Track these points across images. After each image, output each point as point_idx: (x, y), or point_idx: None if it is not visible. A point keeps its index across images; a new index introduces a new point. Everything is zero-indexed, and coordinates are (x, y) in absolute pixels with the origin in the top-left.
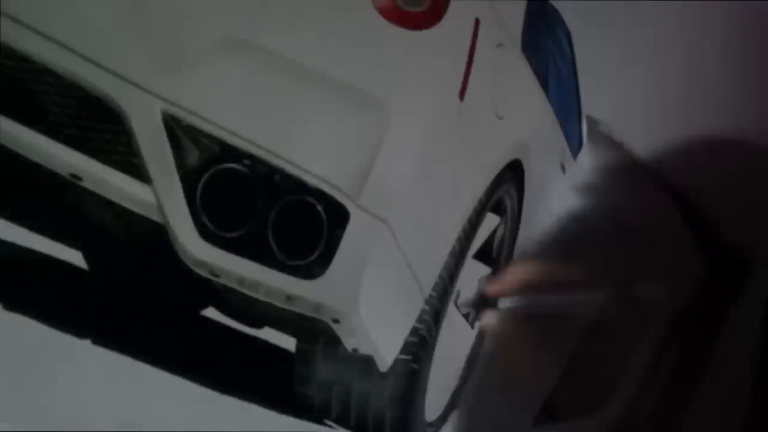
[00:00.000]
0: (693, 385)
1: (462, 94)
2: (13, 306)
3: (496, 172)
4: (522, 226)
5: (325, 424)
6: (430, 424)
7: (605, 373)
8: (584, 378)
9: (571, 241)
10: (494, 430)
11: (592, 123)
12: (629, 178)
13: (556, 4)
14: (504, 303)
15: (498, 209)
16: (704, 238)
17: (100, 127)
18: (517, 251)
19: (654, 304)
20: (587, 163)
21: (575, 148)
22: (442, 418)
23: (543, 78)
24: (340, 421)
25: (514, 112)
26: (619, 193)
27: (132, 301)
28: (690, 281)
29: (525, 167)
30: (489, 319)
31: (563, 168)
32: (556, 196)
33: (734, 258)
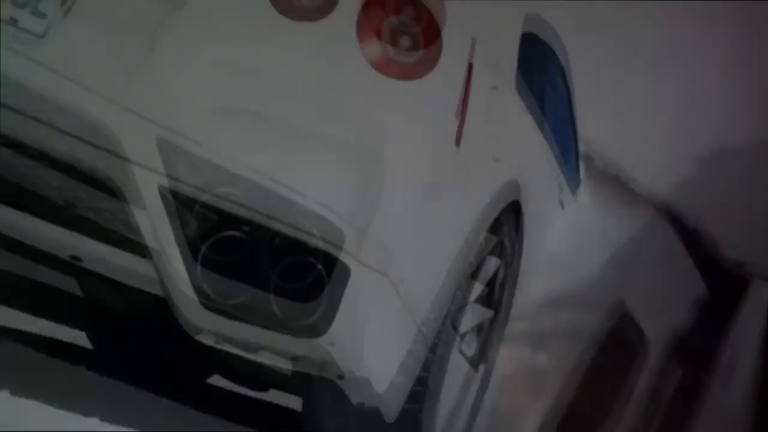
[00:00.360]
0: (694, 409)
1: (458, 140)
2: (19, 391)
3: (495, 215)
4: (522, 266)
5: None
6: None
7: (606, 405)
8: (585, 410)
9: (573, 275)
10: None
11: (588, 160)
12: (628, 211)
13: (555, 30)
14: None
15: (498, 251)
16: (703, 258)
17: (97, 207)
18: (519, 290)
19: (656, 331)
20: (585, 199)
21: (574, 183)
22: None
23: (538, 116)
24: None
25: (511, 153)
26: (618, 225)
27: (138, 375)
28: (690, 305)
29: (523, 208)
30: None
31: (562, 205)
32: (556, 234)
33: (733, 275)
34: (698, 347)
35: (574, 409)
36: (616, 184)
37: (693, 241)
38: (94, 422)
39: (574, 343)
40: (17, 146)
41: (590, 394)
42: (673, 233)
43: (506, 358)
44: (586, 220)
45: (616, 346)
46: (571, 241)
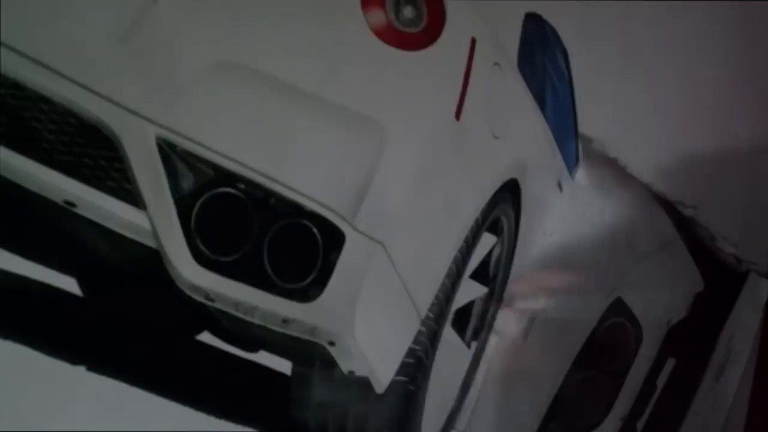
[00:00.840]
0: (689, 395)
1: (458, 114)
2: (7, 334)
3: (493, 192)
4: (519, 245)
5: None
6: None
7: (602, 391)
8: (582, 397)
9: (570, 257)
10: None
11: (586, 141)
12: (625, 195)
13: (555, 23)
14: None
15: (494, 229)
16: (699, 250)
17: (94, 154)
18: (514, 270)
19: (650, 320)
20: (583, 180)
21: (572, 165)
22: None
23: (539, 96)
24: None
25: (511, 131)
26: (615, 209)
27: (127, 327)
28: (686, 296)
29: (521, 186)
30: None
31: (560, 186)
32: (554, 215)
33: (730, 269)
34: (692, 339)
35: (565, 394)
36: (615, 167)
37: (689, 232)
38: (80, 370)
39: (567, 328)
40: (17, 87)
41: (582, 381)
42: (670, 222)
43: (498, 337)
44: (583, 201)
45: (609, 332)
46: (568, 221)
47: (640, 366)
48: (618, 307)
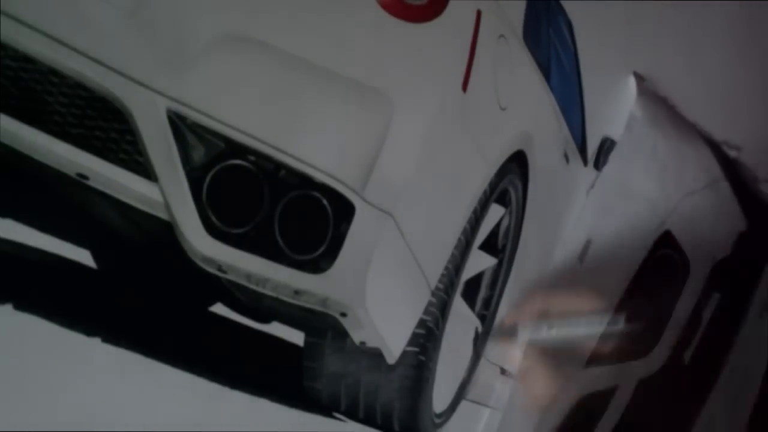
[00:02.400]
0: (734, 329)
1: (465, 86)
2: (23, 306)
3: (500, 163)
4: (527, 216)
5: (335, 417)
6: (438, 415)
7: (653, 320)
8: (633, 325)
9: (624, 186)
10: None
11: (639, 79)
12: (675, 132)
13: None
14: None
15: (503, 200)
16: (742, 190)
17: (105, 127)
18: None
19: (697, 255)
20: (638, 114)
21: (578, 137)
22: (450, 409)
23: (545, 68)
24: (349, 414)
25: (517, 102)
26: (666, 144)
27: (141, 298)
28: (730, 234)
29: (529, 158)
30: None
31: (566, 157)
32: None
33: (765, 205)
34: (736, 276)
35: (613, 332)
36: (666, 105)
37: (733, 173)
38: (95, 342)
39: (620, 255)
40: (27, 61)
41: (633, 310)
42: (716, 162)
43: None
44: (638, 134)
45: (658, 263)
46: (623, 153)
47: (688, 298)
48: (667, 239)
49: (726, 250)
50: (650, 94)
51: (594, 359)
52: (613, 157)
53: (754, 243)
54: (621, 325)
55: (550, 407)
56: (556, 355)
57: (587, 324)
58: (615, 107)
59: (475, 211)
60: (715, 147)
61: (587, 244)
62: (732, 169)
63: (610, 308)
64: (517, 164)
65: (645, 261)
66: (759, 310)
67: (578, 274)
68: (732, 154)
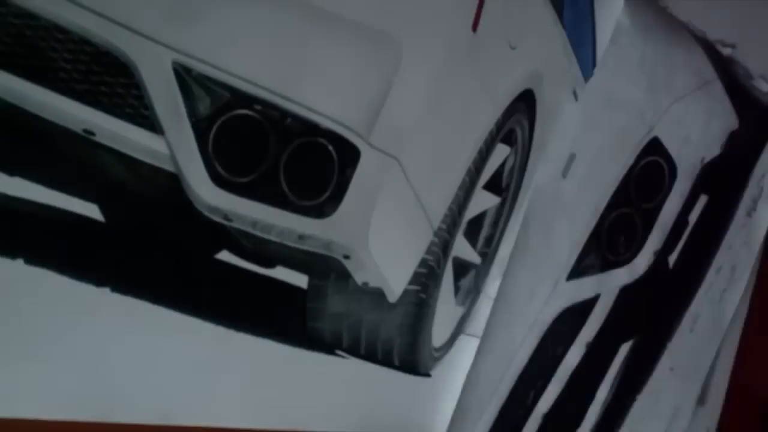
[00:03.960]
0: (720, 230)
1: (475, 26)
2: (33, 260)
3: (508, 103)
4: (532, 155)
5: (337, 354)
6: (437, 349)
7: (637, 227)
8: (616, 234)
9: (610, 97)
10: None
11: None
12: (665, 35)
13: None
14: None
15: (509, 139)
16: (736, 88)
17: (111, 81)
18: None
19: (684, 158)
20: (625, 21)
21: (588, 72)
22: (449, 343)
23: (558, 4)
24: (351, 351)
25: (528, 41)
26: (655, 49)
27: (148, 249)
28: (720, 135)
29: (537, 96)
30: None
31: (575, 95)
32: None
33: (765, 108)
34: (726, 176)
35: (600, 231)
36: (655, 6)
37: (727, 71)
38: (104, 292)
39: (605, 165)
40: (31, 17)
41: (617, 217)
42: (708, 61)
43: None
44: (625, 43)
45: (644, 171)
46: (609, 65)
47: (674, 202)
48: (654, 146)
49: (716, 150)
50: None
51: (576, 271)
52: (599, 69)
53: (745, 141)
54: (603, 236)
55: (533, 324)
56: (537, 269)
57: (568, 237)
58: (601, 17)
59: (480, 152)
60: (708, 46)
61: (571, 158)
62: (725, 67)
63: (592, 221)
64: (524, 103)
65: (630, 169)
66: (747, 209)
67: (561, 189)
68: (726, 52)
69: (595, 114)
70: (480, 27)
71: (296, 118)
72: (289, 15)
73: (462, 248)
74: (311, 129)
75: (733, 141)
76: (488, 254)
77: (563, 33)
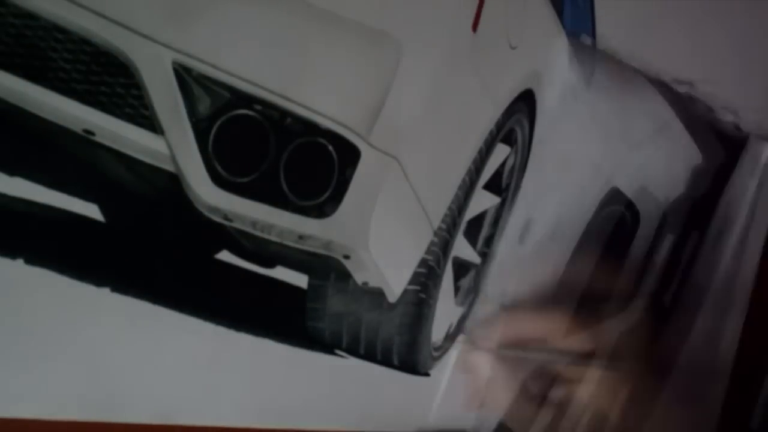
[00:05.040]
0: (688, 270)
1: (475, 26)
2: (33, 260)
3: (508, 103)
4: (532, 155)
5: (336, 354)
6: (437, 349)
7: (604, 275)
8: (604, 288)
9: (566, 158)
10: None
11: (573, 38)
12: (615, 86)
13: None
14: None
15: (509, 139)
16: (697, 123)
17: (111, 81)
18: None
19: (648, 201)
20: (572, 79)
21: (588, 73)
22: (449, 342)
23: (558, 3)
24: (351, 351)
25: (528, 40)
26: (606, 102)
27: (148, 249)
28: (685, 172)
29: (537, 96)
30: None
31: (575, 95)
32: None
33: (730, 138)
34: (692, 212)
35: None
36: (605, 58)
37: (686, 108)
38: (104, 292)
39: (565, 223)
40: (31, 17)
41: (599, 280)
42: (664, 102)
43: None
44: (574, 102)
45: (605, 221)
46: (560, 127)
47: (639, 246)
48: (614, 195)
49: (679, 190)
50: (584, 53)
51: (570, 331)
52: (551, 132)
53: (722, 174)
54: (588, 299)
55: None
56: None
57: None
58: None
59: (480, 152)
60: (663, 87)
61: (527, 224)
62: (683, 106)
63: (555, 283)
64: (524, 103)
65: (589, 224)
66: (713, 241)
67: (520, 257)
68: (683, 89)
69: (550, 177)
70: (480, 27)
71: (296, 118)
72: (289, 15)
73: (462, 248)
74: (311, 129)
75: (699, 177)
76: (488, 254)
77: (563, 32)
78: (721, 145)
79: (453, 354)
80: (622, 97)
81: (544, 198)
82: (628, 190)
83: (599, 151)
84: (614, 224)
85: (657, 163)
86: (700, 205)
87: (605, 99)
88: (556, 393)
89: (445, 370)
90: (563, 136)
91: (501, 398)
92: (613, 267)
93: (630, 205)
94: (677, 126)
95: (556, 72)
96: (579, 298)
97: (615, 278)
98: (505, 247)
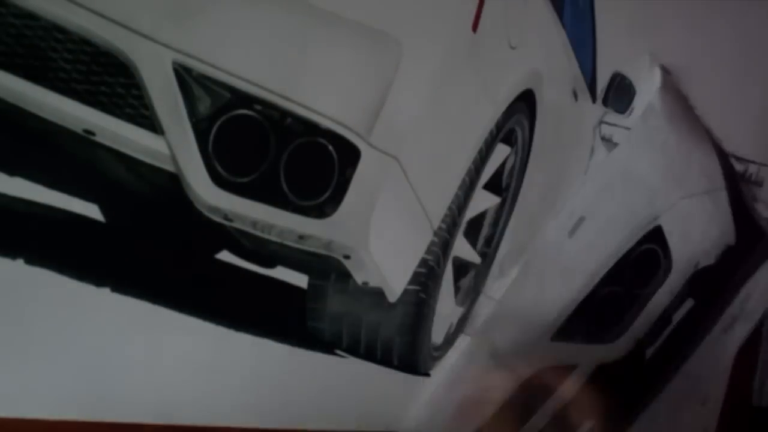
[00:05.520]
0: (698, 338)
1: (475, 26)
2: (34, 260)
3: (508, 103)
4: (532, 155)
5: (336, 354)
6: (437, 348)
7: (625, 309)
8: (605, 309)
9: (629, 173)
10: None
11: (665, 72)
12: (688, 132)
13: None
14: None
15: (509, 140)
16: (738, 205)
17: (111, 82)
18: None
19: (682, 255)
20: (657, 105)
21: (588, 73)
22: (449, 342)
23: (558, 3)
24: (351, 351)
25: (528, 41)
26: (677, 141)
27: (148, 249)
28: (719, 244)
29: (537, 96)
30: None
31: (575, 95)
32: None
33: (762, 233)
34: (714, 287)
35: (590, 302)
36: (685, 103)
37: (734, 186)
38: (104, 292)
39: (608, 239)
40: (31, 18)
41: (608, 294)
42: (719, 170)
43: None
44: (653, 125)
45: (643, 256)
46: (634, 140)
47: (663, 297)
48: (656, 234)
49: (710, 260)
50: (672, 89)
51: (562, 333)
52: (624, 142)
53: (738, 260)
54: (592, 308)
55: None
56: (526, 323)
57: (560, 297)
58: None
59: (480, 152)
60: (722, 156)
61: (580, 221)
62: (733, 182)
63: (585, 291)
64: (525, 103)
65: (630, 250)
66: (725, 326)
67: (565, 248)
68: (738, 167)
69: (612, 184)
70: (480, 27)
71: (296, 118)
72: (289, 15)
73: (462, 248)
74: (311, 129)
75: (727, 255)
76: (488, 254)
77: (563, 33)
78: (749, 231)
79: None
80: (689, 143)
81: (600, 202)
82: (669, 236)
83: (659, 183)
84: (648, 264)
85: (699, 223)
86: (700, 276)
87: (677, 138)
88: (546, 405)
89: (456, 372)
90: (633, 153)
91: (485, 408)
92: (626, 299)
93: (666, 251)
94: (723, 197)
95: (642, 89)
96: (583, 300)
97: (619, 306)
98: (553, 235)
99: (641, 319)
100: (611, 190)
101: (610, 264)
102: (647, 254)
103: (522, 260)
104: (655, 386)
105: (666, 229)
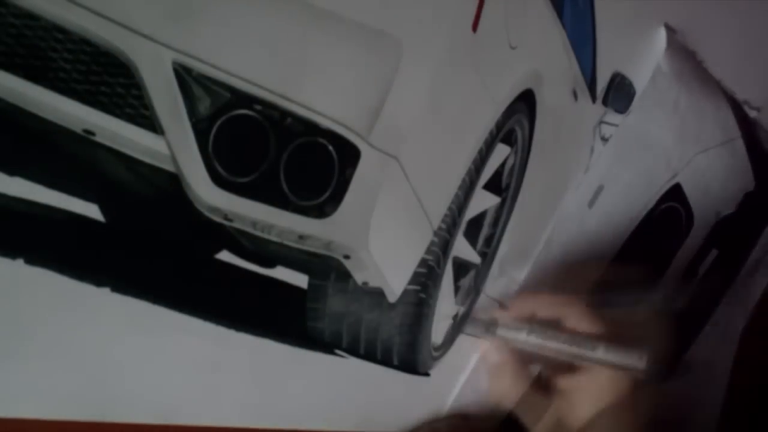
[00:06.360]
0: (725, 285)
1: (475, 26)
2: (33, 260)
3: (508, 103)
4: (532, 155)
5: (336, 354)
6: (437, 348)
7: (645, 270)
8: (631, 271)
9: (643, 135)
10: None
11: (670, 31)
12: (698, 87)
13: None
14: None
15: (508, 139)
16: (756, 150)
17: (111, 81)
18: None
19: (702, 210)
20: (664, 67)
21: (588, 72)
22: (449, 341)
23: (558, 3)
24: (350, 350)
25: (528, 40)
26: (688, 99)
27: (148, 249)
28: (738, 192)
29: (537, 96)
30: None
31: (575, 94)
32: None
33: None
34: (736, 234)
35: (618, 266)
36: (693, 60)
37: (750, 132)
38: (104, 292)
39: (629, 203)
40: (31, 17)
41: (634, 255)
42: (734, 120)
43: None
44: (662, 87)
45: (664, 215)
46: (645, 105)
47: (687, 251)
48: (676, 192)
49: (731, 208)
50: (679, 48)
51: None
52: (635, 107)
53: (759, 204)
54: (618, 273)
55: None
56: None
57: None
58: (642, 58)
59: (480, 152)
60: (735, 106)
61: (599, 190)
62: (749, 129)
63: (611, 255)
64: (524, 103)
65: (651, 211)
66: (750, 270)
67: (586, 219)
68: (752, 114)
69: (627, 151)
70: (480, 27)
71: (296, 118)
72: (289, 15)
73: (462, 248)
74: (311, 129)
75: (747, 201)
76: (488, 254)
77: (563, 33)
78: (761, 174)
79: (457, 355)
80: (701, 99)
81: (617, 169)
82: (689, 192)
83: (674, 143)
84: (670, 222)
85: (717, 175)
86: (722, 225)
87: (687, 96)
88: (568, 383)
89: (456, 372)
90: (645, 117)
91: (513, 388)
92: (651, 258)
93: (687, 207)
94: (740, 145)
95: (644, 56)
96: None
97: (646, 268)
98: (573, 207)
99: (668, 274)
100: (627, 157)
101: (633, 227)
102: (668, 212)
103: (543, 239)
104: (687, 338)
105: (685, 186)
